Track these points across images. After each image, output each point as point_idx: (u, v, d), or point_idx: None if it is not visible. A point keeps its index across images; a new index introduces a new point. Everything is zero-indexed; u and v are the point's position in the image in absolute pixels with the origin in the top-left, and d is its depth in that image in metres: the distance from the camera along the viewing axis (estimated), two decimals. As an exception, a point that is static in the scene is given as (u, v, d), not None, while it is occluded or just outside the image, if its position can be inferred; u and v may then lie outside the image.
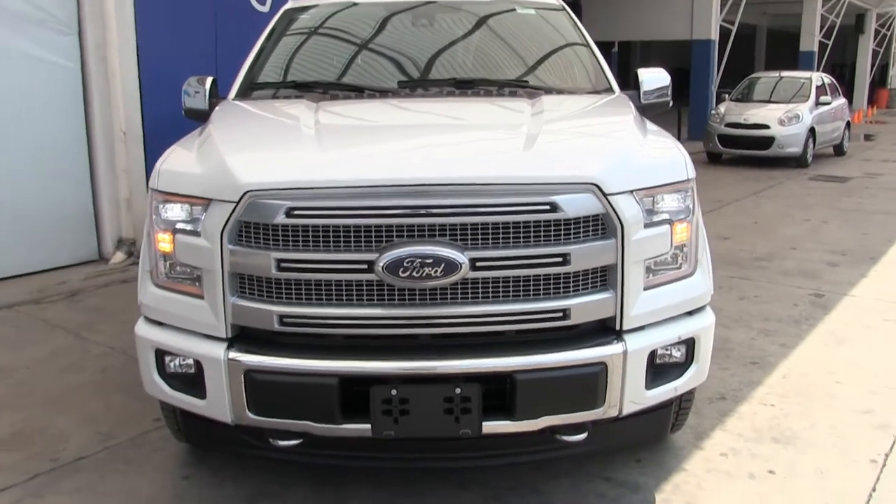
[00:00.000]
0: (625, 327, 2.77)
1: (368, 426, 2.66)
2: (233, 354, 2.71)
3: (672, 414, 3.28)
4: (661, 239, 2.81)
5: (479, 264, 2.59)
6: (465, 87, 3.89)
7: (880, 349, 4.94)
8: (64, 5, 6.81)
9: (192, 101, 4.17)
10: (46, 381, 4.49)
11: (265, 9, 8.52)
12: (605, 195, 2.66)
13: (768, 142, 14.08)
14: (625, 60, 30.71)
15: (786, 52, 29.61)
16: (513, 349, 2.69)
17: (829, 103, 15.14)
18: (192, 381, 2.86)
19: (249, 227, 2.66)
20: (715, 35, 18.65)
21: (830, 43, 25.62)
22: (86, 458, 3.61)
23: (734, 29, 18.95)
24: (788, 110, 14.30)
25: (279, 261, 2.62)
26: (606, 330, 2.77)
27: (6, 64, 6.47)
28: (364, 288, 2.62)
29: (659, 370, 2.89)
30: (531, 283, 2.66)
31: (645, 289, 2.80)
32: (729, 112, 14.76)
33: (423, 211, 2.58)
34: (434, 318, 2.64)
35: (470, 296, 2.63)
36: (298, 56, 4.36)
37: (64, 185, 6.98)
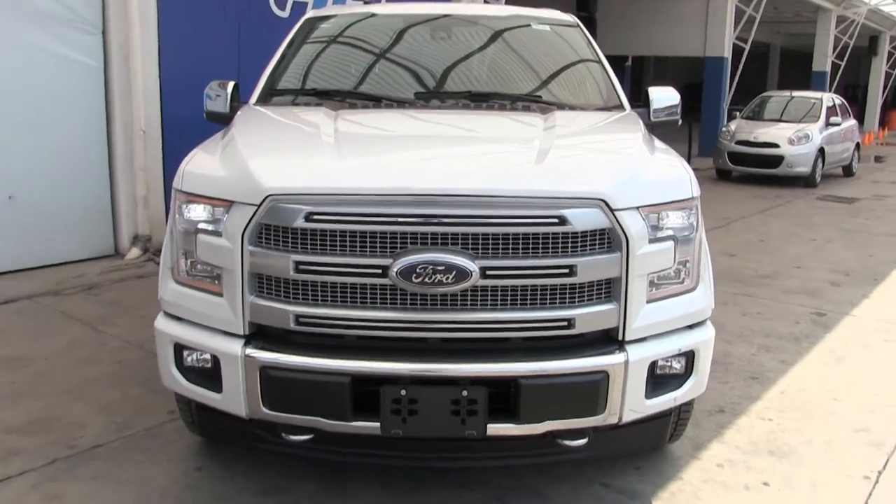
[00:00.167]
0: (627, 338, 2.88)
1: (377, 424, 2.77)
2: (249, 351, 2.82)
3: (671, 424, 3.38)
4: (664, 254, 2.92)
5: (489, 273, 2.71)
6: (479, 100, 4.01)
7: (879, 369, 5.03)
8: (91, 6, 6.98)
9: (213, 104, 4.28)
10: (64, 371, 4.62)
11: (285, 14, 8.67)
12: (611, 210, 2.77)
13: (777, 160, 14.16)
14: (638, 74, 30.84)
15: (799, 71, 29.72)
16: (518, 355, 2.80)
17: (839, 124, 15.22)
18: (209, 375, 2.98)
19: (269, 229, 2.78)
20: (728, 53, 18.74)
21: (843, 64, 25.68)
22: (102, 447, 3.73)
23: (747, 47, 19.03)
24: (798, 130, 14.38)
25: (297, 263, 2.74)
26: (609, 340, 2.89)
27: (34, 61, 6.64)
28: (378, 292, 2.74)
29: (659, 381, 3.00)
30: (538, 292, 2.77)
31: (648, 302, 2.92)
32: (739, 130, 14.85)
33: (436, 220, 2.69)
34: (444, 322, 2.75)
35: (479, 303, 2.74)
36: (319, 64, 4.49)
37: (84, 181, 7.13)
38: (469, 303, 2.74)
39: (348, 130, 3.40)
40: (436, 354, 2.78)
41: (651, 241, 2.87)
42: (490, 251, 2.71)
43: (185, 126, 7.51)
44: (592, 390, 2.80)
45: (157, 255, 7.27)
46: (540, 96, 4.18)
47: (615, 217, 2.78)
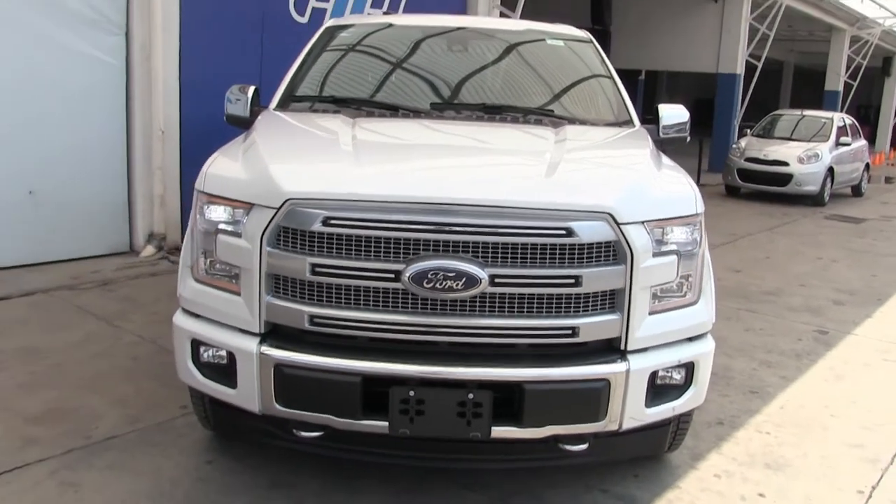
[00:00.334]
0: (629, 348, 2.98)
1: (386, 423, 2.88)
2: (265, 349, 2.93)
3: (670, 433, 3.48)
4: (667, 268, 3.02)
5: (497, 280, 2.81)
6: (493, 112, 4.12)
7: (877, 387, 5.11)
8: (116, 7, 7.13)
9: (233, 107, 4.39)
10: (80, 364, 4.74)
11: (304, 20, 8.82)
12: (617, 224, 2.88)
13: (786, 179, 14.23)
14: (651, 88, 30.96)
15: (812, 89, 29.78)
16: (524, 361, 2.91)
17: (849, 144, 15.27)
18: (224, 371, 3.09)
19: (288, 232, 2.89)
20: (740, 69, 18.82)
21: (856, 84, 25.73)
22: (116, 438, 3.84)
23: (760, 64, 19.10)
24: (808, 149, 14.46)
25: (313, 265, 2.85)
26: (612, 349, 2.99)
27: (58, 59, 6.79)
28: (390, 295, 2.85)
29: (659, 390, 3.10)
30: (544, 301, 2.88)
31: (650, 313, 3.02)
32: (749, 147, 14.93)
33: (448, 228, 2.80)
34: (453, 327, 2.86)
35: (487, 309, 2.85)
36: (338, 72, 4.61)
37: (102, 179, 7.27)
38: (478, 309, 2.84)
39: (365, 139, 3.51)
40: (444, 358, 2.88)
41: (655, 254, 2.98)
42: (499, 260, 2.82)
43: (203, 127, 7.66)
44: (594, 397, 2.90)
45: (171, 254, 7.42)
46: (552, 110, 4.28)
47: (621, 230, 2.88)
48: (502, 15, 11.32)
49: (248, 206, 2.98)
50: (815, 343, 5.99)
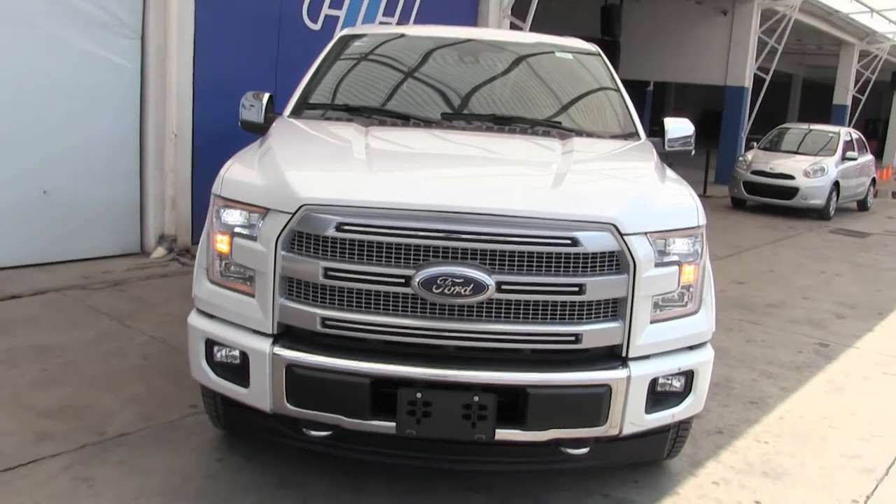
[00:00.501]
0: (630, 355, 3.07)
1: (393, 424, 2.97)
2: (277, 350, 3.02)
3: (669, 440, 3.56)
4: (669, 278, 3.11)
5: (504, 287, 2.91)
6: (502, 123, 4.22)
7: (876, 400, 5.18)
8: (132, 12, 7.26)
9: (248, 113, 4.49)
10: (92, 362, 4.83)
11: (317, 27, 8.94)
12: (621, 235, 2.97)
13: (792, 192, 14.30)
14: (660, 99, 31.01)
15: (820, 102, 29.79)
16: (528, 366, 3.00)
17: (855, 159, 15.35)
18: (237, 370, 3.18)
19: (302, 236, 2.99)
20: (748, 82, 18.89)
21: (864, 98, 25.77)
22: (129, 435, 3.93)
23: (768, 77, 19.17)
24: (814, 163, 14.53)
25: (326, 269, 2.95)
26: (613, 356, 3.08)
27: (75, 62, 6.92)
28: (400, 300, 2.94)
29: (659, 397, 3.19)
30: (549, 308, 2.97)
31: (651, 322, 3.11)
32: (756, 160, 15.01)
33: (457, 236, 2.90)
34: (460, 331, 2.95)
35: (494, 315, 2.94)
36: (351, 81, 4.71)
37: (115, 180, 7.39)
38: (484, 314, 2.94)
39: (378, 147, 3.61)
40: (451, 361, 2.97)
41: (657, 265, 3.07)
42: (506, 267, 2.91)
43: (215, 131, 7.78)
44: (596, 402, 2.99)
45: (181, 256, 7.53)
46: (560, 122, 4.38)
47: (624, 241, 2.98)
48: (512, 25, 11.43)
49: (264, 211, 3.08)
50: (815, 355, 6.06)
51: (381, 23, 9.66)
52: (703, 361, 3.28)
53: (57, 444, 3.78)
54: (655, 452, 3.61)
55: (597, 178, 3.69)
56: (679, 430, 3.57)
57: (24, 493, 3.35)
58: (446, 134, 4.04)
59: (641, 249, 3.02)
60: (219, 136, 7.77)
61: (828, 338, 6.57)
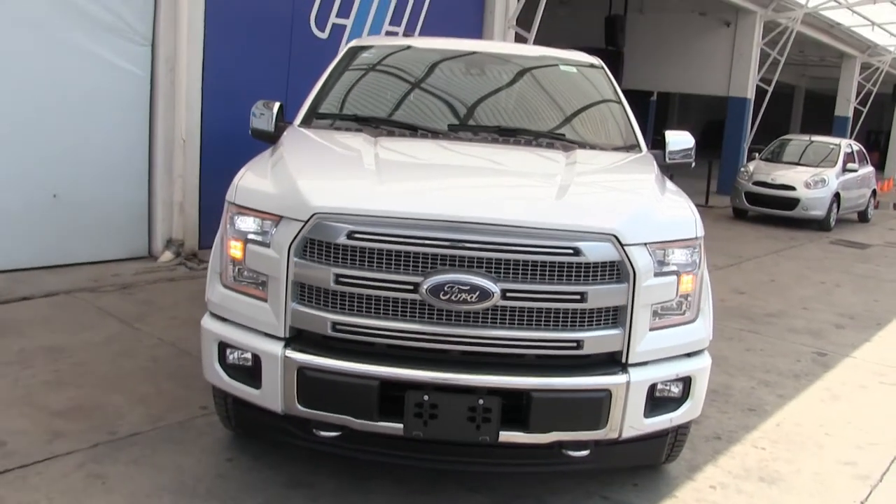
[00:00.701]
0: (630, 361, 3.18)
1: (401, 425, 3.07)
2: (289, 353, 3.12)
3: (667, 444, 3.65)
4: (668, 287, 3.22)
5: (508, 294, 3.01)
6: (507, 135, 4.33)
7: (872, 408, 5.28)
8: (144, 19, 7.38)
9: (258, 122, 4.60)
10: (103, 364, 4.93)
11: (324, 35, 9.06)
12: (622, 245, 3.08)
13: (793, 203, 14.39)
14: (663, 109, 31.11)
15: (822, 113, 29.90)
16: (531, 370, 3.10)
17: (855, 170, 15.45)
18: (249, 372, 3.28)
19: (314, 243, 3.09)
20: (751, 94, 19.00)
21: (866, 110, 25.88)
22: (140, 435, 4.03)
23: (770, 89, 19.29)
24: (815, 174, 14.63)
25: (337, 275, 3.05)
26: (614, 362, 3.18)
27: (86, 68, 7.04)
28: (408, 305, 3.04)
29: (657, 402, 3.29)
30: (552, 315, 3.08)
31: (650, 329, 3.21)
32: (757, 171, 15.11)
33: (464, 244, 3.00)
34: (466, 336, 3.06)
35: (499, 321, 3.05)
36: (360, 91, 4.82)
37: (124, 185, 7.50)
38: (489, 320, 3.04)
39: (387, 158, 3.72)
40: (457, 365, 3.07)
41: (656, 274, 3.17)
42: (511, 275, 3.02)
43: (223, 137, 7.90)
44: (596, 406, 3.09)
45: (188, 260, 7.62)
46: (563, 134, 4.49)
47: (625, 251, 3.08)
48: (517, 35, 11.55)
49: (277, 219, 3.18)
50: (813, 364, 6.15)
51: (387, 32, 9.79)
52: (700, 368, 3.39)
53: (70, 442, 3.88)
54: (654, 456, 3.70)
55: (599, 190, 3.80)
56: (677, 435, 3.67)
57: (40, 489, 3.45)
58: (453, 145, 4.15)
59: (641, 259, 3.12)
60: (227, 143, 7.90)
61: (826, 347, 6.66)
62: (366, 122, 4.37)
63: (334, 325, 3.10)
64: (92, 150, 7.18)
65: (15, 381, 4.55)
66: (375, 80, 4.98)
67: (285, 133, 4.24)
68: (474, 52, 5.28)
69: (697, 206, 3.65)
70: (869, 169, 16.76)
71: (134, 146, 7.54)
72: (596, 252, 3.05)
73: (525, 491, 3.73)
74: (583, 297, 3.05)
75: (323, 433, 3.21)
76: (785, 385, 5.59)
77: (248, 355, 3.27)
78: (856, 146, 16.65)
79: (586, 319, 3.10)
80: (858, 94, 25.69)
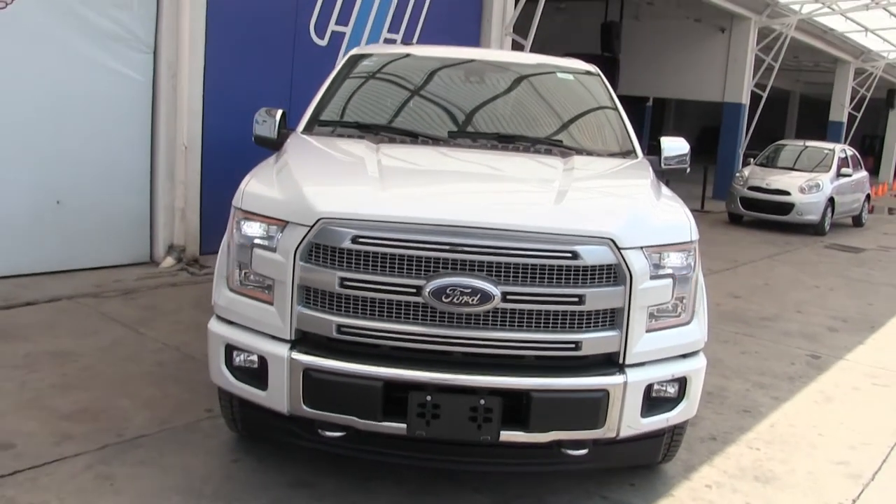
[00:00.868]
0: (627, 362, 3.26)
1: (404, 425, 3.14)
2: (295, 354, 3.20)
3: (664, 444, 3.74)
4: (663, 290, 3.31)
5: (509, 297, 3.10)
6: (506, 141, 4.42)
7: (864, 409, 5.37)
8: (146, 27, 7.48)
9: (261, 129, 4.69)
10: (108, 368, 5.00)
11: (323, 43, 9.16)
12: (618, 249, 3.17)
13: (788, 208, 14.51)
14: (659, 115, 31.30)
15: (817, 118, 30.12)
16: (531, 371, 3.18)
17: (850, 175, 15.57)
18: (256, 374, 3.35)
19: (319, 248, 3.17)
20: (746, 100, 19.15)
21: (860, 115, 26.05)
22: (147, 437, 4.10)
23: (765, 94, 19.43)
24: (809, 179, 14.74)
25: (342, 279, 3.13)
26: (611, 363, 3.27)
27: (89, 75, 7.13)
28: (411, 308, 3.12)
29: (654, 402, 3.38)
30: (551, 317, 3.16)
31: (647, 331, 3.30)
32: (752, 176, 15.22)
33: (466, 248, 3.09)
34: (468, 338, 3.14)
35: (499, 323, 3.13)
36: (362, 99, 4.91)
37: (126, 191, 7.58)
38: (490, 322, 3.12)
39: (390, 164, 3.80)
40: (459, 366, 3.15)
41: (652, 277, 3.26)
42: (511, 278, 3.10)
43: (224, 144, 8.00)
44: (594, 406, 3.18)
45: (190, 266, 7.70)
46: (561, 141, 4.58)
47: (621, 255, 3.17)
48: (514, 42, 11.65)
49: (283, 224, 3.26)
50: (807, 367, 6.24)
51: (385, 39, 9.89)
52: (695, 369, 3.47)
53: (78, 444, 3.95)
54: (651, 455, 3.79)
55: (596, 195, 3.89)
56: (673, 435, 3.75)
57: (50, 489, 3.52)
58: (453, 151, 4.24)
59: (637, 263, 3.21)
60: (228, 149, 7.99)
61: (820, 350, 6.76)
62: (367, 129, 4.46)
63: (339, 327, 3.17)
64: (94, 157, 7.26)
65: (22, 385, 4.62)
66: (376, 88, 5.07)
67: (289, 140, 4.32)
68: (473, 60, 5.38)
69: (693, 211, 3.74)
70: (863, 174, 16.89)
71: (136, 152, 7.62)
72: (593, 255, 3.14)
73: (526, 491, 3.81)
74: (581, 299, 3.14)
75: (328, 433, 3.28)
76: (779, 387, 5.68)
77: (255, 357, 3.35)
78: (850, 151, 16.79)
79: (584, 321, 3.19)
80: (852, 99, 25.88)
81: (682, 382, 3.42)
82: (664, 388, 3.38)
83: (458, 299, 3.05)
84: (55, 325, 5.77)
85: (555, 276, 3.13)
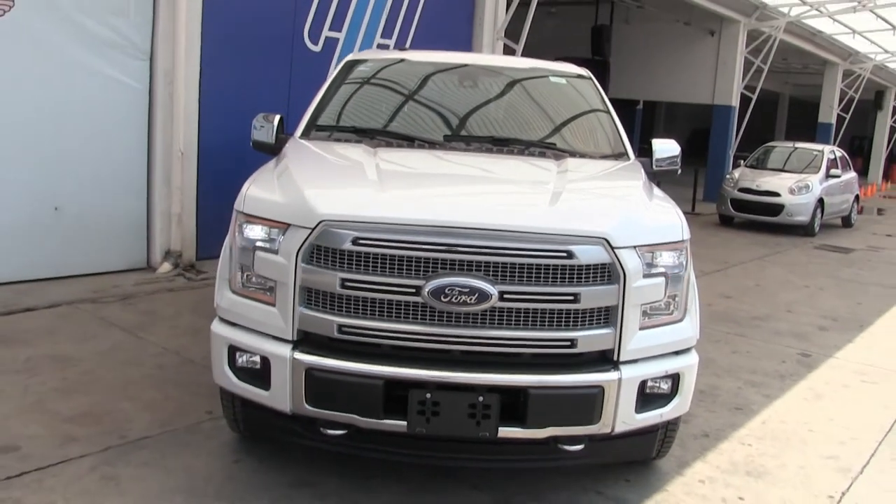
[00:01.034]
0: (621, 359, 3.34)
1: (404, 423, 3.22)
2: (297, 354, 3.27)
3: (658, 440, 3.82)
4: (656, 288, 3.39)
5: (505, 296, 3.17)
6: (501, 144, 4.51)
7: (853, 405, 5.47)
8: (142, 34, 7.54)
9: (259, 134, 4.76)
10: (109, 372, 5.06)
11: (317, 48, 9.23)
12: (612, 248, 3.25)
13: (778, 209, 14.64)
14: (649, 117, 31.45)
15: (806, 119, 30.33)
16: (528, 368, 3.26)
17: (839, 176, 15.70)
18: (258, 374, 3.42)
19: (321, 250, 3.25)
20: (735, 102, 19.29)
21: (848, 116, 26.27)
22: (149, 438, 4.16)
23: (755, 96, 19.58)
24: (799, 180, 14.87)
25: (343, 280, 3.21)
26: (606, 360, 3.35)
27: (87, 83, 7.19)
28: (411, 308, 3.20)
29: (648, 398, 3.46)
30: (547, 315, 3.24)
31: (640, 328, 3.38)
32: (743, 178, 15.34)
33: (464, 249, 3.16)
34: (466, 337, 3.22)
35: (497, 321, 3.21)
36: (358, 104, 4.99)
37: (123, 197, 7.64)
38: (488, 321, 3.20)
39: (388, 168, 3.88)
40: (457, 364, 3.23)
41: (645, 276, 3.35)
42: (508, 277, 3.18)
43: (220, 150, 8.07)
44: (590, 402, 3.26)
45: (186, 271, 7.75)
46: (554, 143, 4.67)
47: (615, 254, 3.25)
48: (506, 46, 11.75)
49: (285, 226, 3.34)
50: (798, 365, 6.34)
51: (378, 45, 9.97)
52: (688, 365, 3.56)
53: (82, 446, 4.00)
54: (645, 451, 3.87)
55: (590, 197, 3.97)
56: (667, 431, 3.83)
57: (56, 490, 3.58)
58: (449, 155, 4.32)
59: (631, 262, 3.30)
60: (223, 155, 8.06)
61: (810, 349, 6.86)
62: (364, 134, 4.53)
63: (340, 327, 3.25)
64: (92, 163, 7.32)
65: (25, 389, 4.68)
66: (372, 93, 5.15)
67: (288, 144, 4.40)
68: (467, 65, 5.46)
69: (684, 213, 3.82)
70: (852, 175, 17.04)
71: (133, 159, 7.68)
72: (588, 255, 3.22)
73: (524, 488, 3.88)
74: (576, 297, 3.22)
75: (330, 432, 3.35)
76: (770, 385, 5.77)
77: (257, 358, 3.41)
78: (839, 152, 16.95)
79: (579, 319, 3.26)
80: (841, 100, 26.09)
81: (675, 378, 3.50)
82: (658, 385, 3.46)
83: (456, 299, 3.13)
84: (55, 331, 5.82)
85: (550, 276, 3.21)
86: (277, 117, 4.74)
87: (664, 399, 3.51)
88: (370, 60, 5.49)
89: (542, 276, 3.20)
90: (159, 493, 3.63)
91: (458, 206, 3.48)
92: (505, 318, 3.21)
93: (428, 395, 3.18)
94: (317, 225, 3.23)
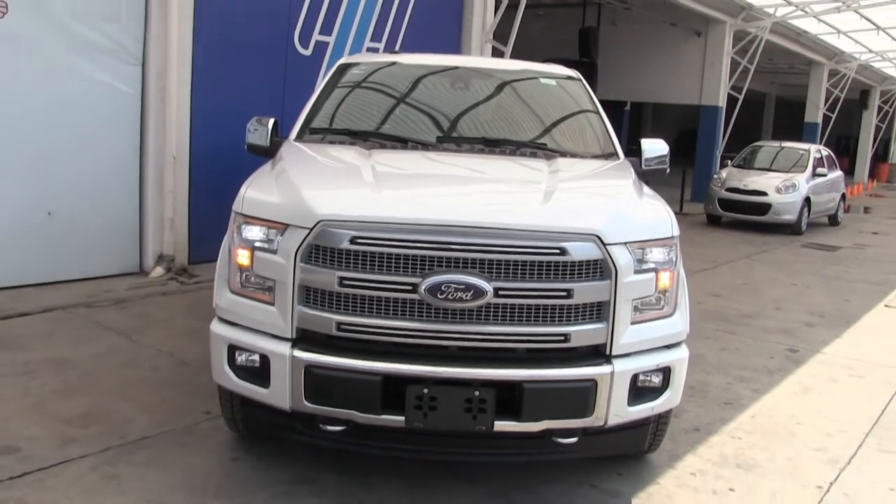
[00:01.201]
0: (613, 353, 3.42)
1: (402, 418, 3.29)
2: (296, 352, 3.33)
3: (650, 433, 3.91)
4: (647, 283, 3.47)
5: (500, 292, 3.25)
6: (492, 145, 4.58)
7: (840, 399, 5.56)
8: (135, 39, 7.59)
9: (253, 137, 4.82)
10: (106, 374, 5.10)
11: (308, 52, 9.28)
12: (604, 245, 3.33)
13: (765, 208, 14.76)
14: (637, 118, 31.61)
15: (793, 119, 30.55)
16: (523, 363, 3.34)
17: (825, 175, 15.84)
18: (258, 373, 3.48)
19: (319, 249, 3.31)
20: (722, 102, 19.44)
21: (834, 116, 26.49)
22: (148, 439, 4.21)
23: (741, 96, 19.74)
24: (786, 179, 15.01)
25: (341, 278, 3.27)
26: (598, 354, 3.42)
27: (79, 88, 7.22)
28: (408, 305, 3.27)
29: (639, 391, 3.53)
30: (541, 310, 3.32)
31: (632, 323, 3.46)
32: (730, 177, 15.47)
33: (459, 247, 3.24)
34: (462, 333, 3.29)
35: (492, 317, 3.28)
36: (351, 107, 5.06)
37: (116, 201, 7.67)
38: (483, 317, 3.27)
39: (383, 169, 3.95)
40: (454, 360, 3.30)
41: (636, 271, 3.43)
42: (502, 274, 3.25)
43: (212, 154, 8.11)
44: (583, 395, 3.33)
45: (179, 275, 7.79)
46: (545, 144, 4.75)
47: (607, 250, 3.33)
48: (494, 49, 11.83)
49: (284, 227, 3.40)
50: (786, 361, 6.44)
51: (368, 48, 10.02)
52: (679, 359, 3.64)
53: (82, 446, 4.05)
54: (637, 444, 3.95)
55: (581, 195, 4.06)
56: (659, 424, 3.92)
57: (58, 489, 3.63)
58: (442, 156, 4.40)
59: (622, 258, 3.38)
60: (215, 159, 8.11)
61: (798, 345, 6.96)
62: (358, 136, 4.60)
63: (339, 325, 3.31)
64: (84, 168, 7.35)
65: (24, 391, 4.72)
66: (365, 96, 5.22)
67: (283, 147, 4.46)
68: (458, 67, 5.54)
69: (672, 213, 3.90)
70: (838, 173, 17.20)
71: (126, 164, 7.71)
72: (580, 251, 3.30)
73: (519, 482, 3.95)
74: (569, 293, 3.30)
75: (329, 428, 3.41)
76: (759, 380, 5.86)
77: (257, 356, 3.47)
78: (825, 151, 17.11)
79: (572, 314, 3.34)
80: (827, 100, 26.33)
81: (666, 372, 3.58)
82: (649, 378, 3.54)
83: (452, 295, 3.20)
84: (51, 335, 5.85)
85: (544, 272, 3.28)
86: (272, 120, 4.80)
87: (656, 392, 3.59)
88: (362, 64, 5.56)
89: (536, 272, 3.28)
90: (160, 491, 3.68)
91: (454, 206, 3.56)
92: (500, 313, 3.28)
93: (425, 391, 3.25)
94: (315, 225, 3.30)
